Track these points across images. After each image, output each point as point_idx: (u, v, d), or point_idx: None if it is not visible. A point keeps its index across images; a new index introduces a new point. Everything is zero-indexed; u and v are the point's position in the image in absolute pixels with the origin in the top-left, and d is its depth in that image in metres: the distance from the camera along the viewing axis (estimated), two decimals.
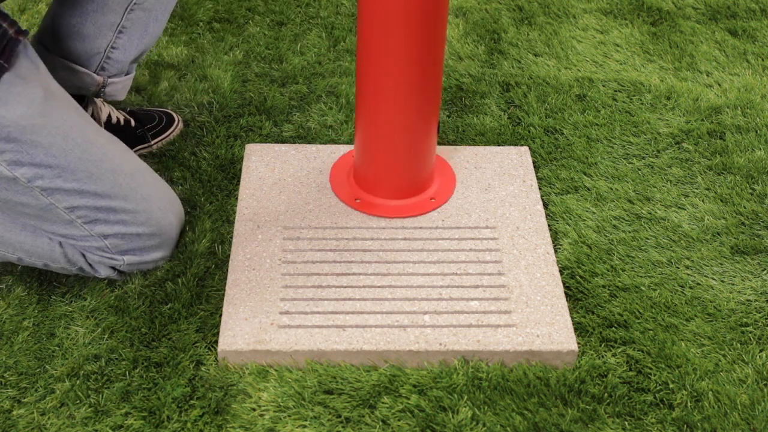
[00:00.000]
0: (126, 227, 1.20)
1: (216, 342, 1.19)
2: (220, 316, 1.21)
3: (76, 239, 1.20)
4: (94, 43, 1.35)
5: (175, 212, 1.28)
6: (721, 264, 1.35)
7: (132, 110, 1.56)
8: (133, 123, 1.51)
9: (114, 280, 1.27)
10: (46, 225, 1.18)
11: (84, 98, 1.43)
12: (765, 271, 1.34)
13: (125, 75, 1.42)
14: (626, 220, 1.42)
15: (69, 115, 1.15)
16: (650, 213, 1.43)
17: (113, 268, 1.25)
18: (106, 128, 1.47)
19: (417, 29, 1.16)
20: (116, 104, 1.59)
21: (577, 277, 1.31)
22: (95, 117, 1.46)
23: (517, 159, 1.48)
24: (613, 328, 1.24)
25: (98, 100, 1.47)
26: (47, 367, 1.17)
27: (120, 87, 1.43)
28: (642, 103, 1.68)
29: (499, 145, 1.54)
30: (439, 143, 1.56)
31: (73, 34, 1.34)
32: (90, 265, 1.23)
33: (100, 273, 1.25)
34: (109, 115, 1.48)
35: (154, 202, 1.23)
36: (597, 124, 1.62)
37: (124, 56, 1.38)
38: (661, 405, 1.15)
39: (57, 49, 1.36)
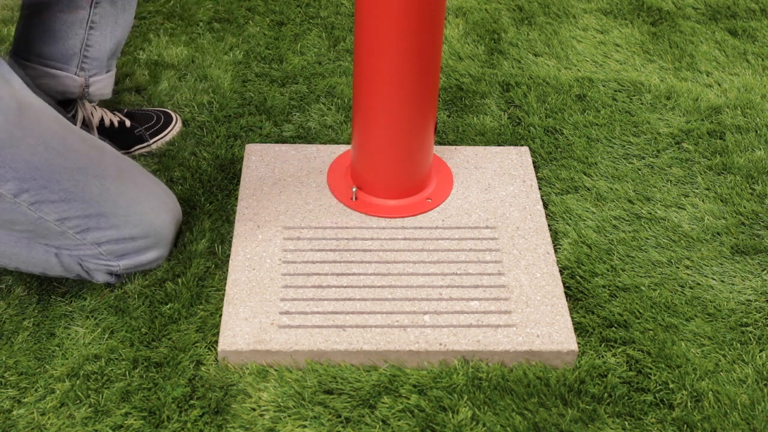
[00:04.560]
0: (119, 231, 1.19)
1: (216, 342, 1.19)
2: (220, 316, 1.21)
3: (71, 249, 1.19)
4: (68, 43, 1.35)
5: (168, 210, 1.27)
6: (721, 264, 1.35)
7: (129, 111, 1.56)
8: (128, 124, 1.51)
9: (113, 283, 1.27)
10: (39, 238, 1.18)
11: (73, 104, 1.43)
12: (765, 271, 1.35)
13: (106, 72, 1.43)
14: (626, 220, 1.42)
15: (48, 125, 1.13)
16: (650, 213, 1.43)
17: (110, 273, 1.24)
18: (100, 132, 1.47)
19: (413, 27, 1.16)
20: (114, 105, 1.59)
21: (577, 277, 1.31)
22: (86, 121, 1.45)
23: (517, 159, 1.48)
24: (613, 328, 1.24)
25: (89, 105, 1.47)
26: (47, 367, 1.17)
27: (103, 85, 1.43)
28: (642, 103, 1.68)
29: (499, 145, 1.54)
30: (439, 143, 1.56)
31: (46, 37, 1.34)
32: (87, 272, 1.23)
33: (97, 279, 1.24)
34: (102, 119, 1.48)
35: (146, 202, 1.22)
36: (597, 124, 1.62)
37: (100, 52, 1.39)
38: (661, 405, 1.15)
39: (33, 57, 1.36)
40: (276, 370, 1.16)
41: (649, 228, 1.40)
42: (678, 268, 1.34)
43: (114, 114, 1.51)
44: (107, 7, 1.35)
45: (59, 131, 1.14)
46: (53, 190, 1.12)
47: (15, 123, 1.08)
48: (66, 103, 1.42)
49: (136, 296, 1.26)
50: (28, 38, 1.35)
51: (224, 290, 1.25)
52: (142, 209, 1.21)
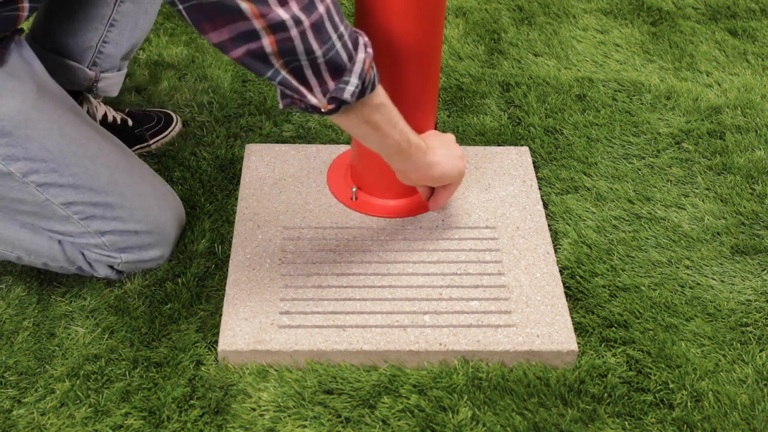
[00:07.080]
0: (123, 224, 1.20)
1: (216, 342, 1.19)
2: (220, 316, 1.21)
3: (74, 236, 1.20)
4: (86, 37, 1.36)
5: (173, 211, 1.28)
6: (721, 264, 1.35)
7: (130, 111, 1.56)
8: (130, 123, 1.51)
9: (113, 280, 1.27)
10: (43, 222, 1.18)
11: (78, 96, 1.44)
12: (765, 271, 1.35)
13: (117, 71, 1.43)
14: (626, 220, 1.42)
15: (64, 111, 1.15)
16: (650, 213, 1.43)
17: (111, 267, 1.25)
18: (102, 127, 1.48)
19: (413, 26, 1.16)
20: (115, 105, 1.59)
21: (577, 277, 1.31)
22: (90, 115, 1.46)
23: (517, 159, 1.48)
24: (613, 328, 1.24)
25: (95, 100, 1.47)
26: (47, 367, 1.17)
27: (112, 83, 1.44)
28: (642, 103, 1.68)
29: (499, 145, 1.54)
30: None
31: (65, 28, 1.35)
32: (89, 264, 1.23)
33: (98, 272, 1.25)
34: (105, 114, 1.48)
35: (152, 200, 1.23)
36: (597, 124, 1.62)
37: (115, 51, 1.39)
38: (661, 405, 1.15)
39: (49, 44, 1.36)
40: (276, 370, 1.16)
41: (649, 228, 1.40)
42: (678, 268, 1.34)
43: (117, 112, 1.52)
44: (130, 7, 1.36)
45: (74, 119, 1.17)
46: (63, 174, 1.13)
47: (33, 105, 1.10)
48: (71, 94, 1.42)
49: (136, 296, 1.26)
50: (47, 25, 1.36)
51: (224, 290, 1.25)
52: (148, 204, 1.22)
